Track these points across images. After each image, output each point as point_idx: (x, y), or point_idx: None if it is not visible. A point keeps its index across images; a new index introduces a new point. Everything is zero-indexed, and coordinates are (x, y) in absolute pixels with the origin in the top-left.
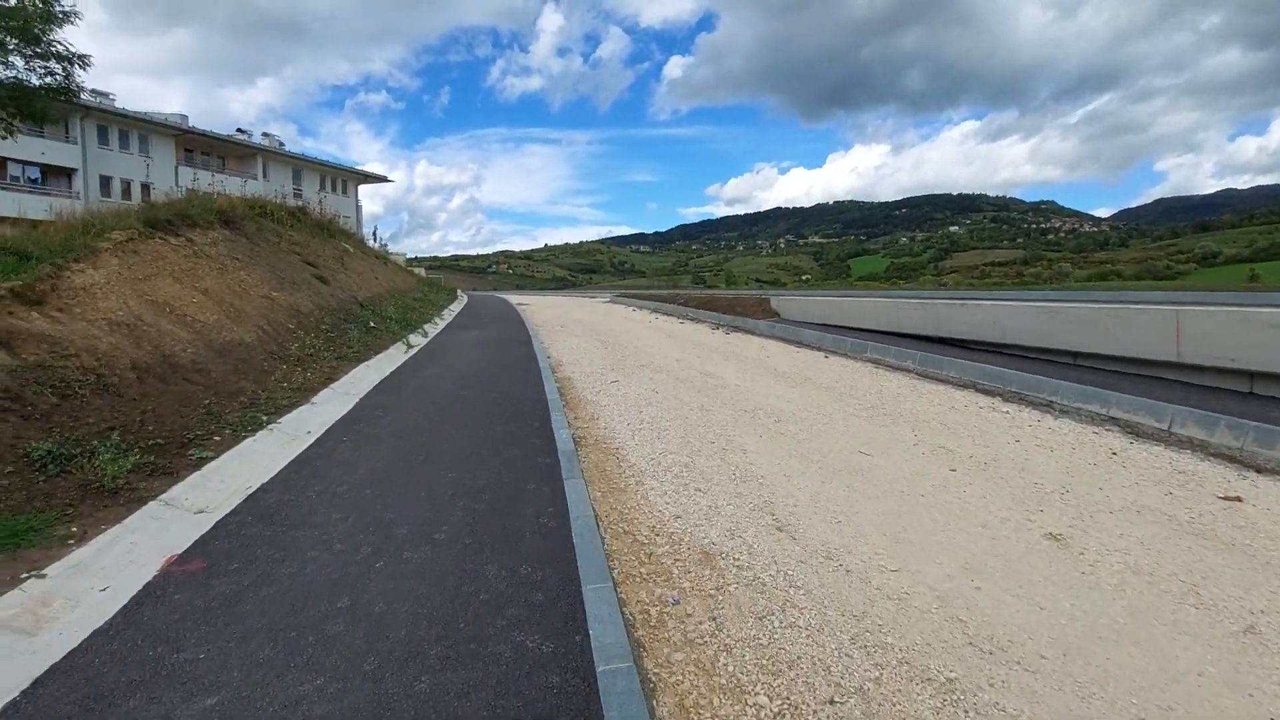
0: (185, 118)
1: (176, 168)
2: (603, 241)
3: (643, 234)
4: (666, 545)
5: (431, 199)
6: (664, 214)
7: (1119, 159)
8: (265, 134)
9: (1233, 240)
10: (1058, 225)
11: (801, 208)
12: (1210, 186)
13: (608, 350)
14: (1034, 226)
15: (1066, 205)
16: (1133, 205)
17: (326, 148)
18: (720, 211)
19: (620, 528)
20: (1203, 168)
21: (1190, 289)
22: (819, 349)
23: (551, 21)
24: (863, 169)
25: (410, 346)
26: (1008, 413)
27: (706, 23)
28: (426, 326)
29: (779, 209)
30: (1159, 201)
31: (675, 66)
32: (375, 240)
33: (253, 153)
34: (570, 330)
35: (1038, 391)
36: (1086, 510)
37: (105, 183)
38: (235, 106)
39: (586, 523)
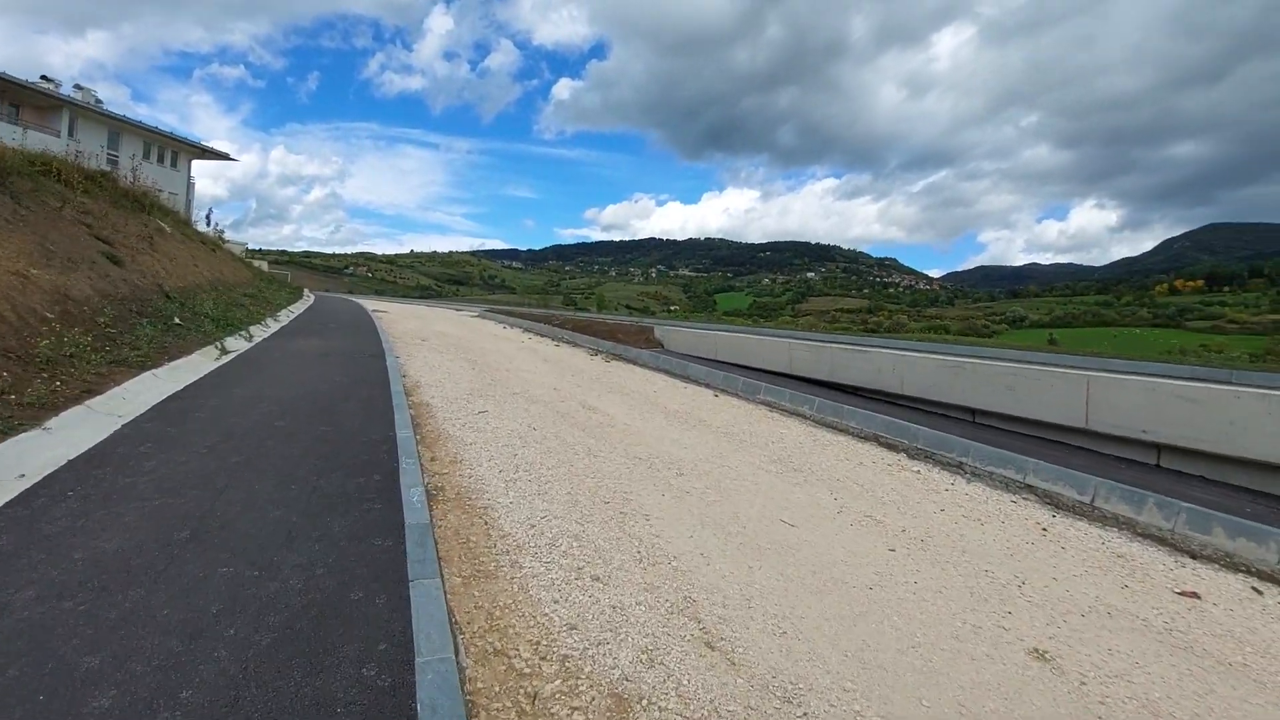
0: None
1: None
2: (474, 254)
3: (516, 250)
4: (559, 680)
5: (286, 189)
6: (541, 232)
7: (950, 228)
8: (78, 86)
9: (1036, 307)
10: (898, 281)
11: (675, 240)
12: (1020, 259)
13: (475, 372)
14: (878, 280)
15: (906, 263)
16: (959, 269)
17: (164, 117)
18: (596, 235)
19: (489, 644)
20: (1015, 243)
21: (1003, 346)
22: (708, 386)
23: (440, 23)
24: (734, 210)
25: (225, 353)
26: (919, 472)
27: (599, 51)
28: (254, 329)
29: (653, 239)
30: (980, 268)
31: (564, 88)
32: (209, 224)
33: (57, 105)
34: (433, 345)
35: (946, 450)
36: (1055, 612)
37: None
38: (55, 58)
39: (441, 678)
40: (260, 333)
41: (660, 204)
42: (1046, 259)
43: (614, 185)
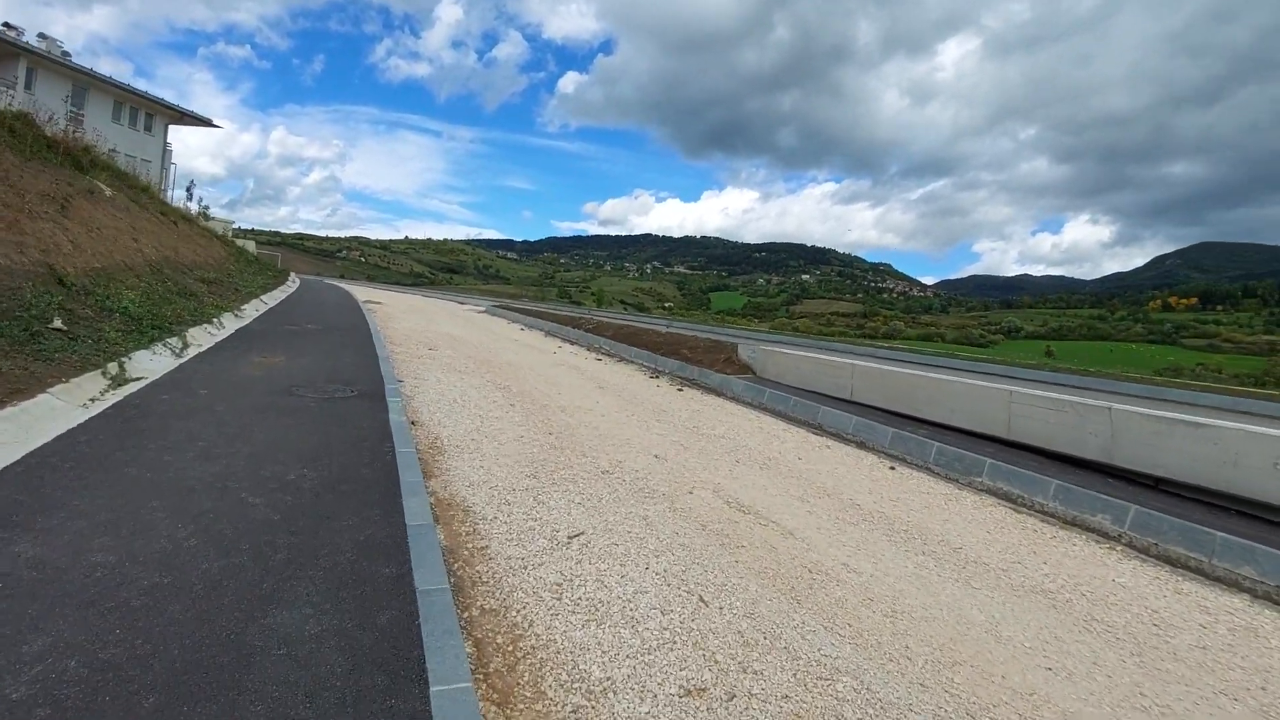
0: None
1: None
2: (468, 242)
3: (511, 240)
4: None
5: (286, 170)
6: (538, 224)
7: (946, 236)
8: (42, 35)
9: (1030, 318)
10: (892, 286)
11: (671, 237)
12: (1013, 270)
13: (522, 415)
14: (872, 285)
15: (900, 269)
16: (952, 277)
17: (162, 92)
18: (594, 229)
19: None
20: (1009, 254)
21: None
22: (863, 446)
23: (450, 13)
24: (732, 210)
25: (117, 385)
26: None
27: (606, 46)
28: (195, 332)
29: (650, 235)
30: (973, 277)
31: (570, 82)
32: (192, 199)
33: (13, 53)
34: (445, 358)
35: None
36: None
37: None
38: (58, 29)
39: None
40: (203, 339)
41: (660, 200)
42: (1039, 271)
43: (614, 180)
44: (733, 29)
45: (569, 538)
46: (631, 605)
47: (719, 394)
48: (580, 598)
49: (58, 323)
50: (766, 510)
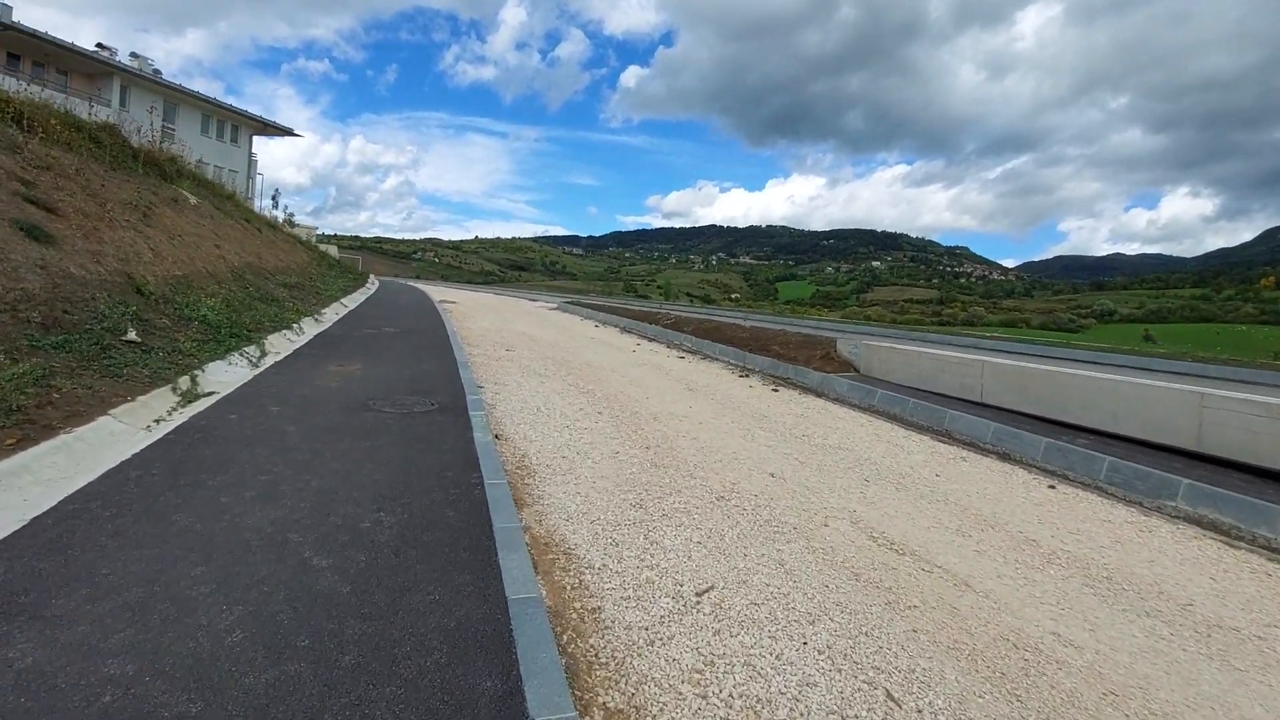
0: (9, 9)
1: None
2: (536, 240)
3: (577, 236)
4: None
5: (364, 176)
6: (603, 219)
7: (1028, 216)
8: (134, 54)
9: (1125, 301)
10: (969, 270)
11: (736, 228)
12: (1103, 249)
13: (613, 425)
14: (948, 269)
15: (978, 253)
16: (1036, 259)
17: (251, 108)
18: (658, 222)
19: None
20: (1099, 232)
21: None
22: (1009, 459)
23: (514, 15)
24: (798, 198)
25: (188, 401)
26: None
27: (667, 39)
28: (274, 339)
29: (714, 226)
30: (1058, 258)
31: (631, 76)
32: (277, 207)
33: (108, 71)
34: (523, 359)
35: None
36: None
37: None
38: (157, 54)
39: None
40: (282, 345)
41: (724, 191)
42: (1133, 249)
43: (677, 172)
44: (795, 11)
45: (697, 595)
46: (800, 707)
47: (820, 395)
48: (731, 694)
49: (131, 334)
50: (924, 549)
